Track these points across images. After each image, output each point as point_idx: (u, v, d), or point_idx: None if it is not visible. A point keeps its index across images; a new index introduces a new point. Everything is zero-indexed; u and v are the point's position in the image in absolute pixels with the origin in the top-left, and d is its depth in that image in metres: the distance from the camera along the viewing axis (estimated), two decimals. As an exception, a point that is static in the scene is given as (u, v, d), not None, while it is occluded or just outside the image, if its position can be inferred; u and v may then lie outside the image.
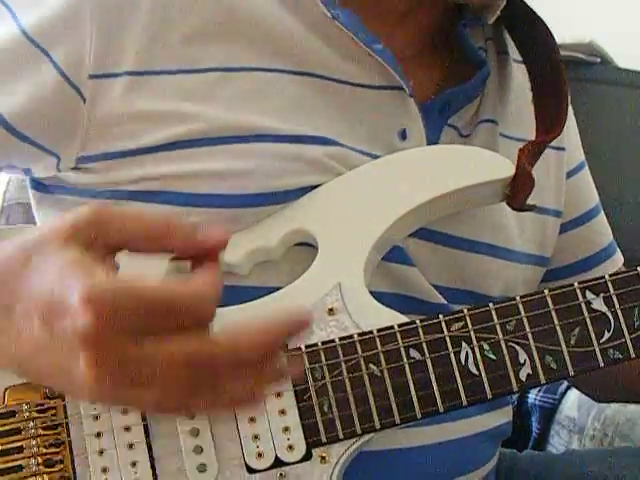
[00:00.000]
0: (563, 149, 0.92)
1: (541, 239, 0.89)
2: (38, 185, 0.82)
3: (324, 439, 0.69)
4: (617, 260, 0.97)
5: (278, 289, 0.73)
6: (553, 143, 0.83)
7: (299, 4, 0.78)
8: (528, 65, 0.86)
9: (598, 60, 1.70)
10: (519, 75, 0.88)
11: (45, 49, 0.73)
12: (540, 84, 0.85)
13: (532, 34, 0.86)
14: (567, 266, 0.94)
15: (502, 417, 0.87)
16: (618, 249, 0.98)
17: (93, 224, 0.57)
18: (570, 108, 0.93)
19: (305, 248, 0.75)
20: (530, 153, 0.78)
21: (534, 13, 0.86)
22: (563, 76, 0.84)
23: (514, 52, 0.89)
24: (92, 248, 0.56)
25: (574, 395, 1.23)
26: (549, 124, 0.82)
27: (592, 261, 0.95)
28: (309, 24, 0.78)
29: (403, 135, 0.80)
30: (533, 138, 0.82)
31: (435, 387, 0.70)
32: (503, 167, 0.76)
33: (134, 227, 0.58)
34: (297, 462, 0.69)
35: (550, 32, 0.85)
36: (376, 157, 0.78)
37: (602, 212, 0.98)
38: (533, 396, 1.28)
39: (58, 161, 0.77)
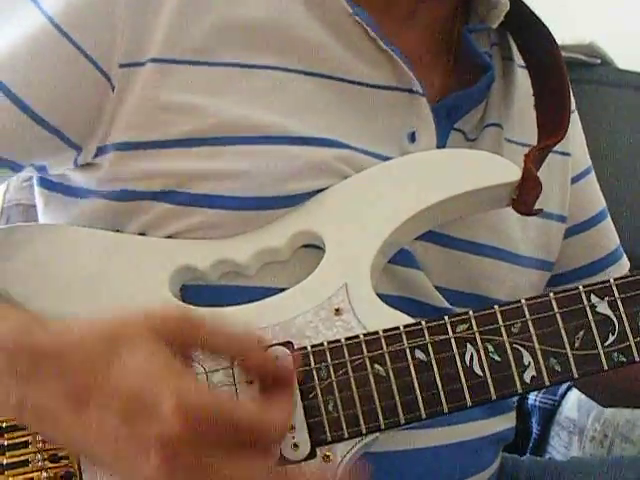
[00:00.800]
0: (568, 154, 0.92)
1: (545, 244, 0.89)
2: (46, 183, 0.82)
3: (329, 438, 0.70)
4: (623, 264, 0.98)
5: (285, 289, 0.74)
6: (558, 148, 0.84)
7: (318, 1, 0.78)
8: (530, 70, 0.87)
9: (598, 61, 1.71)
10: (524, 81, 0.89)
11: (74, 37, 0.73)
12: (542, 88, 0.85)
13: (535, 39, 0.86)
14: (573, 270, 0.95)
15: (506, 422, 0.87)
16: (624, 254, 0.99)
17: (182, 328, 0.60)
18: (576, 114, 0.93)
19: (313, 249, 0.75)
20: (535, 158, 0.78)
21: (537, 18, 0.86)
22: (566, 81, 0.84)
23: (519, 58, 0.90)
24: (179, 351, 0.59)
25: (574, 396, 1.24)
26: (551, 129, 0.82)
27: (598, 266, 0.95)
28: (326, 22, 0.78)
29: (412, 138, 0.80)
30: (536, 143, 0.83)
31: (440, 387, 0.70)
32: (510, 171, 0.76)
33: (218, 341, 0.62)
34: (301, 460, 0.69)
35: (553, 37, 0.86)
36: (383, 158, 0.78)
37: (608, 217, 0.98)
38: (533, 397, 1.28)
39: (78, 154, 0.76)
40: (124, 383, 0.58)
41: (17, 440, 0.70)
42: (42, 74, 0.74)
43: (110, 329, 0.61)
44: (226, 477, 0.57)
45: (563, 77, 0.84)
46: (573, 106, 0.87)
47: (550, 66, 0.85)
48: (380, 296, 0.74)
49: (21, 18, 0.75)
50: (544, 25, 0.86)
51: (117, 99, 0.74)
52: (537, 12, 0.87)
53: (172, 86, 0.74)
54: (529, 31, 0.87)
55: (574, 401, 1.23)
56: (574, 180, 0.93)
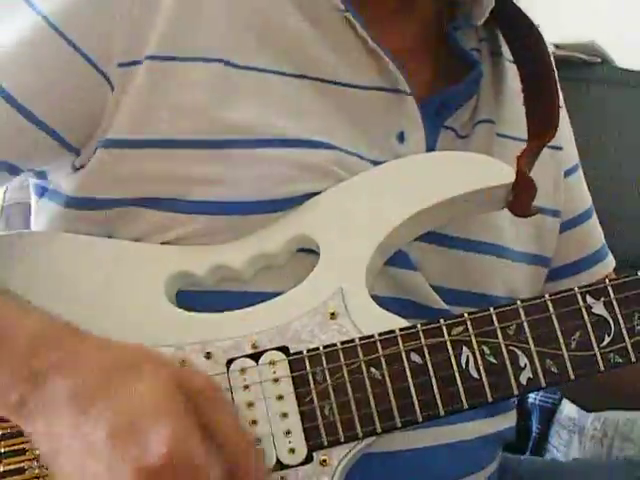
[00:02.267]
0: (560, 148, 0.92)
1: (538, 238, 0.89)
2: (38, 189, 0.82)
3: (325, 442, 0.70)
4: (609, 263, 0.97)
5: (281, 294, 0.74)
6: (549, 142, 0.83)
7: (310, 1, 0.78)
8: (519, 67, 0.87)
9: (599, 60, 1.70)
10: (514, 75, 0.88)
11: (71, 38, 0.73)
12: (531, 86, 0.85)
13: (522, 36, 0.86)
14: (562, 267, 0.94)
15: (505, 422, 0.87)
16: (610, 253, 0.98)
17: (205, 396, 0.61)
18: (564, 109, 0.93)
19: (307, 254, 0.75)
20: (527, 159, 0.78)
21: (523, 14, 0.86)
22: (554, 77, 0.84)
23: (508, 53, 0.90)
24: (193, 409, 0.59)
25: (574, 395, 1.23)
26: (541, 127, 0.82)
27: (586, 263, 0.95)
28: (314, 21, 0.78)
29: (401, 138, 0.80)
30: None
31: (436, 391, 0.70)
32: (504, 173, 0.76)
33: (228, 432, 0.61)
34: (298, 465, 0.69)
35: (539, 34, 0.86)
36: (374, 161, 0.78)
37: (595, 215, 0.98)
38: (533, 396, 1.28)
39: (76, 156, 0.76)
40: (132, 402, 0.58)
41: (13, 448, 0.70)
42: (40, 76, 0.73)
43: (138, 357, 0.62)
44: None
45: (550, 74, 0.84)
46: (561, 102, 0.87)
47: (538, 63, 0.85)
48: (376, 298, 0.74)
49: (17, 20, 0.74)
50: (530, 21, 0.86)
51: (116, 99, 0.73)
52: (537, 11, 0.88)
53: (169, 84, 0.74)
54: (515, 27, 0.87)
55: (574, 400, 1.23)
56: (566, 174, 0.93)
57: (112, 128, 0.74)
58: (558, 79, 0.87)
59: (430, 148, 0.81)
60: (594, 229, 0.97)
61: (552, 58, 0.88)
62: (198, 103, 0.74)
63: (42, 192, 0.81)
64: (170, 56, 0.74)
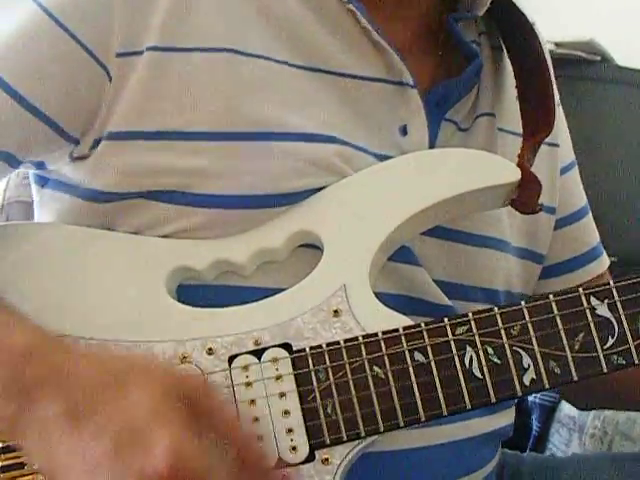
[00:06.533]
0: (557, 145, 0.92)
1: (532, 233, 0.89)
2: (40, 180, 0.82)
3: (327, 441, 0.69)
4: (604, 261, 0.97)
5: (283, 290, 0.73)
6: (546, 139, 0.83)
7: None
8: (513, 63, 0.87)
9: (598, 58, 1.70)
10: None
11: (71, 28, 0.72)
12: (525, 82, 0.85)
13: (516, 31, 0.86)
14: (557, 264, 0.94)
15: (504, 419, 0.87)
16: (605, 252, 0.98)
17: (201, 398, 0.60)
18: (560, 108, 0.93)
19: (310, 249, 0.75)
20: (528, 155, 0.78)
21: (519, 11, 0.86)
22: (548, 73, 0.84)
23: None
24: (191, 412, 0.58)
25: (574, 394, 1.23)
26: (537, 123, 0.82)
27: (581, 260, 0.95)
28: (319, 12, 0.77)
29: (404, 131, 0.80)
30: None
31: (439, 390, 0.70)
32: (510, 171, 0.76)
33: (228, 429, 0.60)
34: (300, 463, 0.69)
35: (534, 30, 0.86)
36: (378, 154, 0.78)
37: (590, 213, 0.98)
38: (533, 394, 1.28)
39: (75, 146, 0.75)
40: (129, 414, 0.57)
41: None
42: (39, 66, 0.73)
43: (129, 367, 0.61)
44: None
45: (544, 70, 0.84)
46: (557, 100, 0.87)
47: (532, 59, 0.85)
48: (379, 294, 0.74)
49: (18, 10, 0.74)
50: (525, 16, 0.86)
51: (114, 89, 0.73)
52: (537, 9, 0.87)
53: (170, 74, 0.73)
54: (509, 22, 0.87)
55: (574, 399, 1.23)
56: (563, 171, 0.93)
57: (113, 120, 0.73)
58: (557, 77, 0.87)
59: (431, 141, 0.81)
60: (589, 227, 0.97)
61: (548, 55, 0.88)
62: (200, 94, 0.73)
63: (44, 183, 0.81)
64: (172, 47, 0.73)
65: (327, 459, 0.69)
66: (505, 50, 0.88)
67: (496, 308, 0.71)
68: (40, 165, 0.79)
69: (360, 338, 0.71)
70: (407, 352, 0.70)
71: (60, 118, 0.74)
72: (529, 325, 0.71)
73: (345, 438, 0.69)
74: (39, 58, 0.73)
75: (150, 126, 0.73)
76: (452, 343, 0.70)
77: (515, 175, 0.76)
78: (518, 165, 0.77)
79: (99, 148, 0.74)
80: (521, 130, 0.83)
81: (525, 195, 0.76)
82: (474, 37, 0.88)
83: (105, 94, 0.73)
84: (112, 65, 0.73)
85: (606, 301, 0.71)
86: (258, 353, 0.71)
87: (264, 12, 0.76)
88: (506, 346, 0.70)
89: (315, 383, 0.70)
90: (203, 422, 0.59)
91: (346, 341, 0.71)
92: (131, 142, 0.73)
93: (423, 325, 0.71)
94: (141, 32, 0.73)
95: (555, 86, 0.87)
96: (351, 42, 0.78)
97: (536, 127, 0.82)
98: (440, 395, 0.70)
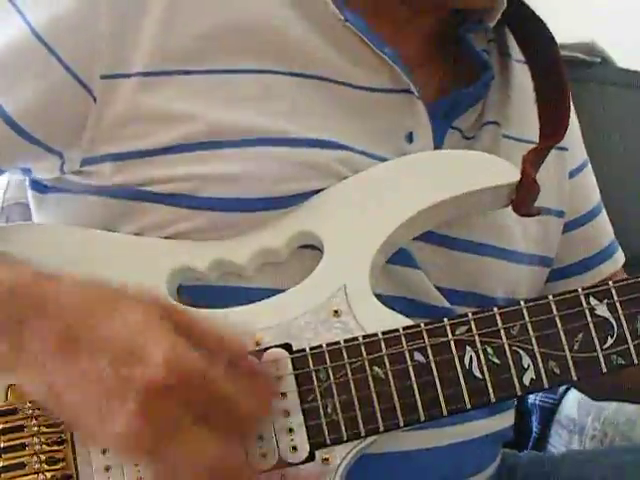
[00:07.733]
0: (566, 149, 0.92)
1: (544, 239, 0.89)
2: (38, 186, 0.82)
3: (328, 440, 0.69)
4: (618, 259, 0.98)
5: (283, 291, 0.74)
6: None
7: (309, 6, 0.78)
8: (531, 68, 0.87)
9: (598, 60, 1.71)
10: (522, 77, 0.89)
11: (55, 48, 0.73)
12: (543, 87, 0.85)
13: (534, 37, 0.86)
14: (570, 265, 0.95)
15: (505, 421, 0.87)
16: (619, 248, 0.99)
17: (180, 321, 0.62)
18: (572, 108, 0.93)
19: (311, 250, 0.75)
20: (534, 159, 0.78)
21: (536, 16, 0.86)
22: (565, 79, 0.84)
23: (516, 53, 0.90)
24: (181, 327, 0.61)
25: (574, 395, 1.24)
26: (552, 129, 0.82)
27: (595, 260, 0.95)
28: (318, 27, 0.78)
29: (410, 138, 0.80)
30: (536, 138, 0.83)
31: (439, 390, 0.70)
32: (508, 172, 0.76)
33: (210, 340, 0.63)
34: (300, 463, 0.69)
35: (551, 35, 0.86)
36: (381, 158, 0.78)
37: (604, 210, 0.98)
38: (533, 396, 1.28)
39: (62, 163, 0.76)
40: (122, 331, 0.59)
41: (13, 443, 0.70)
42: (22, 84, 0.74)
43: (119, 289, 0.63)
44: (186, 442, 0.58)
45: (562, 76, 0.85)
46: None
47: (549, 64, 0.85)
48: (379, 296, 0.74)
49: (4, 28, 0.75)
50: (543, 22, 0.86)
51: (99, 110, 0.73)
52: (537, 11, 0.87)
53: (163, 96, 0.73)
54: (527, 29, 0.87)
55: (574, 400, 1.23)
56: (572, 174, 0.93)
57: (101, 139, 0.74)
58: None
59: (437, 149, 0.81)
60: (603, 225, 0.98)
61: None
62: (195, 110, 0.73)
63: (42, 189, 0.81)
64: (161, 71, 0.74)
65: (327, 459, 0.69)
66: (517, 55, 0.89)
67: (495, 308, 0.71)
68: (27, 171, 0.80)
69: (360, 338, 0.71)
70: (407, 352, 0.70)
71: (42, 134, 0.74)
72: (528, 325, 0.71)
73: (345, 438, 0.69)
74: (23, 76, 0.74)
75: (144, 145, 0.74)
76: (452, 343, 0.71)
77: (514, 176, 0.76)
78: (522, 166, 0.77)
79: (107, 168, 0.75)
80: (527, 136, 0.84)
81: (522, 196, 0.77)
82: (484, 46, 0.88)
83: (90, 114, 0.74)
84: (96, 86, 0.73)
85: (605, 301, 0.71)
86: (258, 353, 0.71)
87: (260, 27, 0.76)
88: (506, 346, 0.70)
89: (315, 383, 0.70)
90: (195, 335, 0.61)
91: (346, 341, 0.71)
92: (130, 161, 0.74)
93: (423, 325, 0.71)
94: (129, 55, 0.73)
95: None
96: (354, 54, 0.79)
97: (551, 131, 0.82)
98: (440, 395, 0.70)
